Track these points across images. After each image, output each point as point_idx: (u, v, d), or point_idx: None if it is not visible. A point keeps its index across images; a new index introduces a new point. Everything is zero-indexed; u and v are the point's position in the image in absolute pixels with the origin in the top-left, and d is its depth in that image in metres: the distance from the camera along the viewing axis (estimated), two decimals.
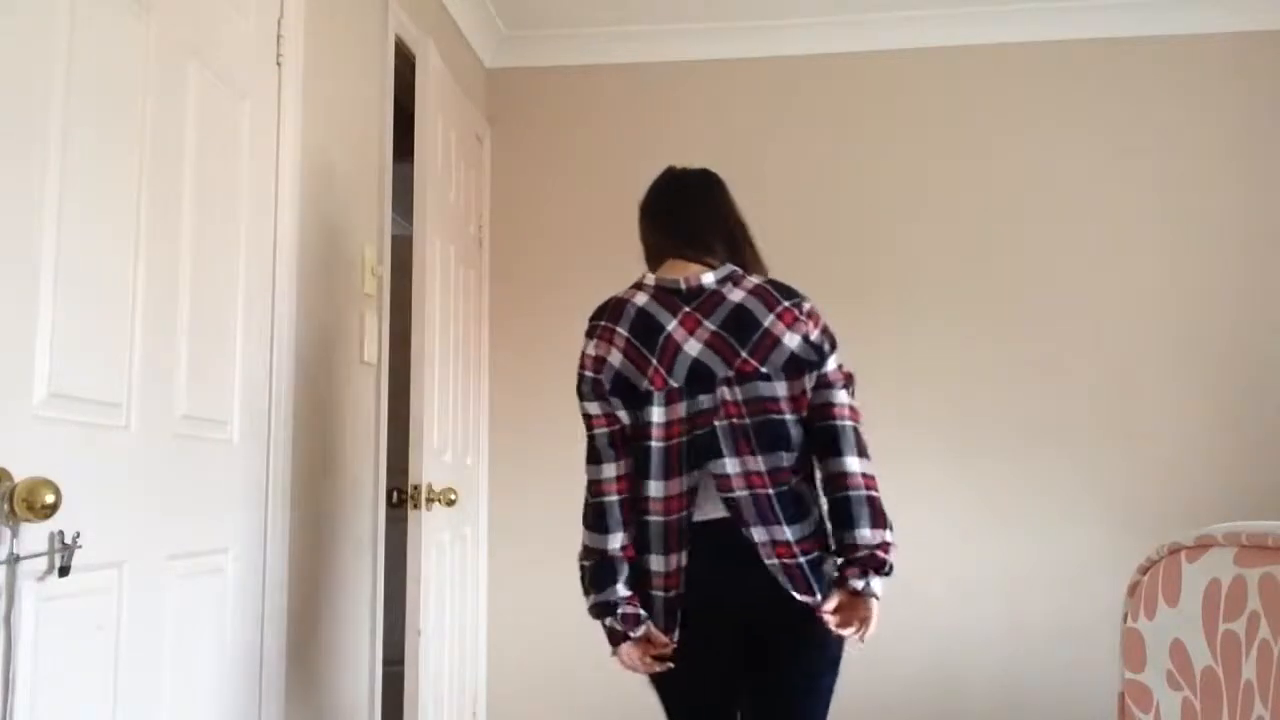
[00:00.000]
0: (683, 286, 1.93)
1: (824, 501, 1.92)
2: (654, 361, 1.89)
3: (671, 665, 1.88)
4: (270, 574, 2.20)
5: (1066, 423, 3.61)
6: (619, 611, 1.87)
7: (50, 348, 1.53)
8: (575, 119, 3.95)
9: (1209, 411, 3.57)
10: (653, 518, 1.87)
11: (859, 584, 1.83)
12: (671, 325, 1.90)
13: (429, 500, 2.77)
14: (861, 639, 1.87)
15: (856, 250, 3.77)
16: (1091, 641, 3.47)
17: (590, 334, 1.97)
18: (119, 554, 1.68)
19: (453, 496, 2.93)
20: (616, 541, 1.90)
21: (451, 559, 3.21)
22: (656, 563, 1.87)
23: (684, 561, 1.85)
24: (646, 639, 1.88)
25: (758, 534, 1.82)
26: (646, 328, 1.91)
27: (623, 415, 1.92)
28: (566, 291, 3.71)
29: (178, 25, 1.90)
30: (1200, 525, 1.56)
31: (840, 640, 1.89)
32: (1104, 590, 3.46)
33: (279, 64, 2.30)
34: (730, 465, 1.84)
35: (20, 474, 1.43)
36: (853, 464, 1.87)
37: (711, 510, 1.86)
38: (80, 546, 1.53)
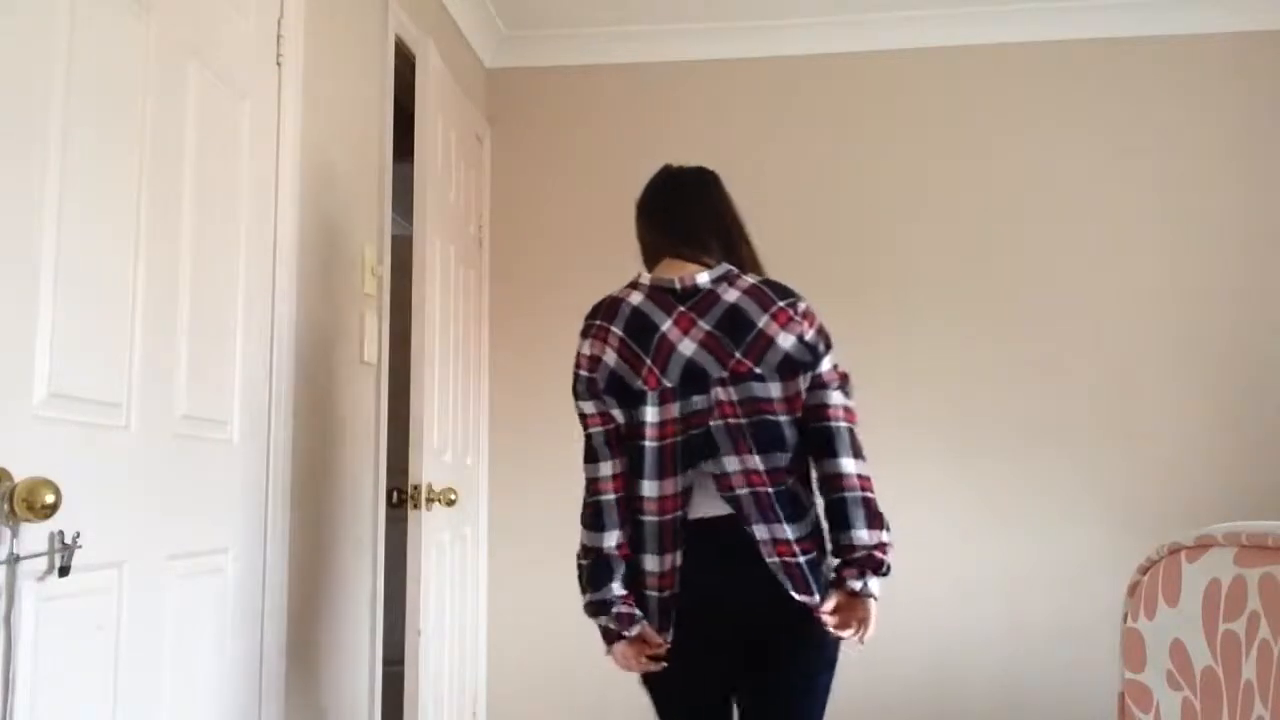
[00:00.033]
0: (677, 286, 1.93)
1: (820, 502, 1.92)
2: (648, 361, 1.89)
3: (665, 665, 1.88)
4: (270, 574, 2.20)
5: (1066, 423, 3.61)
6: (613, 610, 1.88)
7: (50, 348, 1.53)
8: (575, 119, 3.95)
9: (1209, 411, 3.57)
10: (647, 517, 1.87)
11: (857, 585, 1.83)
12: (666, 325, 1.90)
13: (429, 500, 2.77)
14: (861, 640, 1.87)
15: (856, 250, 3.77)
16: (1091, 641, 3.47)
17: (585, 333, 1.97)
18: (119, 554, 1.68)
19: (453, 496, 2.93)
20: (612, 540, 1.90)
21: (451, 559, 3.21)
22: (651, 563, 1.87)
23: (678, 562, 1.85)
24: (641, 638, 1.88)
25: (759, 531, 1.82)
26: (641, 327, 1.91)
27: (617, 414, 1.92)
28: (566, 291, 3.71)
29: (178, 25, 1.90)
30: (1200, 525, 1.56)
31: (837, 641, 1.88)
32: (1104, 590, 3.46)
33: (279, 64, 2.30)
34: (730, 464, 1.84)
35: (20, 474, 1.43)
36: (848, 465, 1.87)
37: (708, 509, 1.86)
38: (80, 546, 1.53)
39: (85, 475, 1.59)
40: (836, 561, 1.88)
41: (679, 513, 1.86)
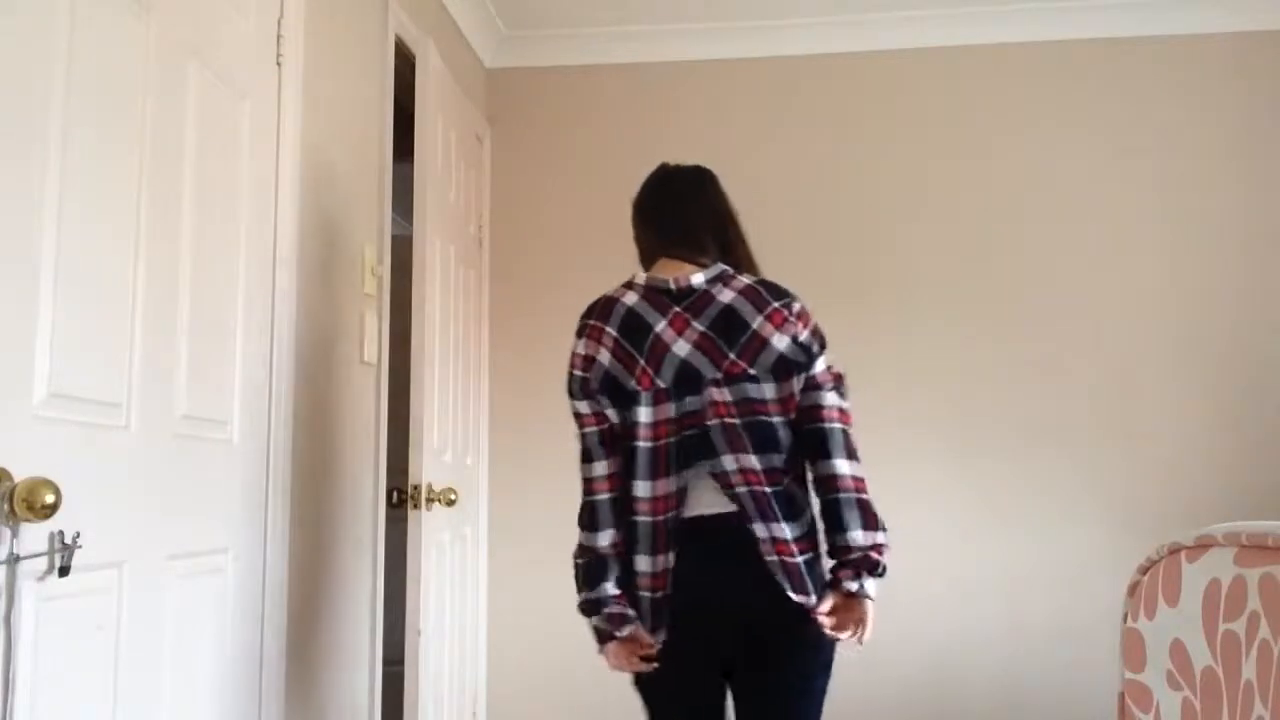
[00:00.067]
0: (672, 286, 1.93)
1: (816, 503, 1.92)
2: (641, 361, 1.89)
3: (655, 666, 1.88)
4: (270, 574, 2.20)
5: (1066, 423, 3.61)
6: (605, 610, 1.88)
7: (50, 348, 1.53)
8: (575, 119, 3.95)
9: (1209, 411, 3.57)
10: (640, 518, 1.87)
11: (853, 585, 1.83)
12: (660, 326, 1.90)
13: (429, 500, 2.77)
14: (859, 641, 1.87)
15: (856, 250, 3.77)
16: (1091, 641, 3.47)
17: (580, 333, 1.97)
18: (119, 554, 1.68)
19: (453, 496, 2.93)
20: (606, 539, 1.90)
21: (451, 559, 3.21)
22: (643, 563, 1.87)
23: (670, 562, 1.85)
24: (632, 639, 1.88)
25: (759, 530, 1.82)
26: (635, 327, 1.91)
27: (611, 414, 1.92)
28: (566, 291, 3.71)
29: (178, 25, 1.90)
30: (1200, 525, 1.56)
31: (834, 642, 1.88)
32: (1104, 590, 3.46)
33: (279, 64, 2.30)
34: (728, 463, 1.84)
35: (20, 474, 1.43)
36: (842, 466, 1.86)
37: (703, 508, 1.86)
38: (80, 546, 1.53)
39: (85, 475, 1.59)
40: (832, 562, 1.88)
41: (672, 513, 1.86)
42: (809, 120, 3.85)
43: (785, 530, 1.82)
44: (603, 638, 1.90)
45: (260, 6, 2.24)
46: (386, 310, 2.92)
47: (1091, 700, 3.44)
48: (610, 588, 1.89)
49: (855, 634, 1.86)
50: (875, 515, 1.86)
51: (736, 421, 1.85)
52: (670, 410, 1.87)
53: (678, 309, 1.91)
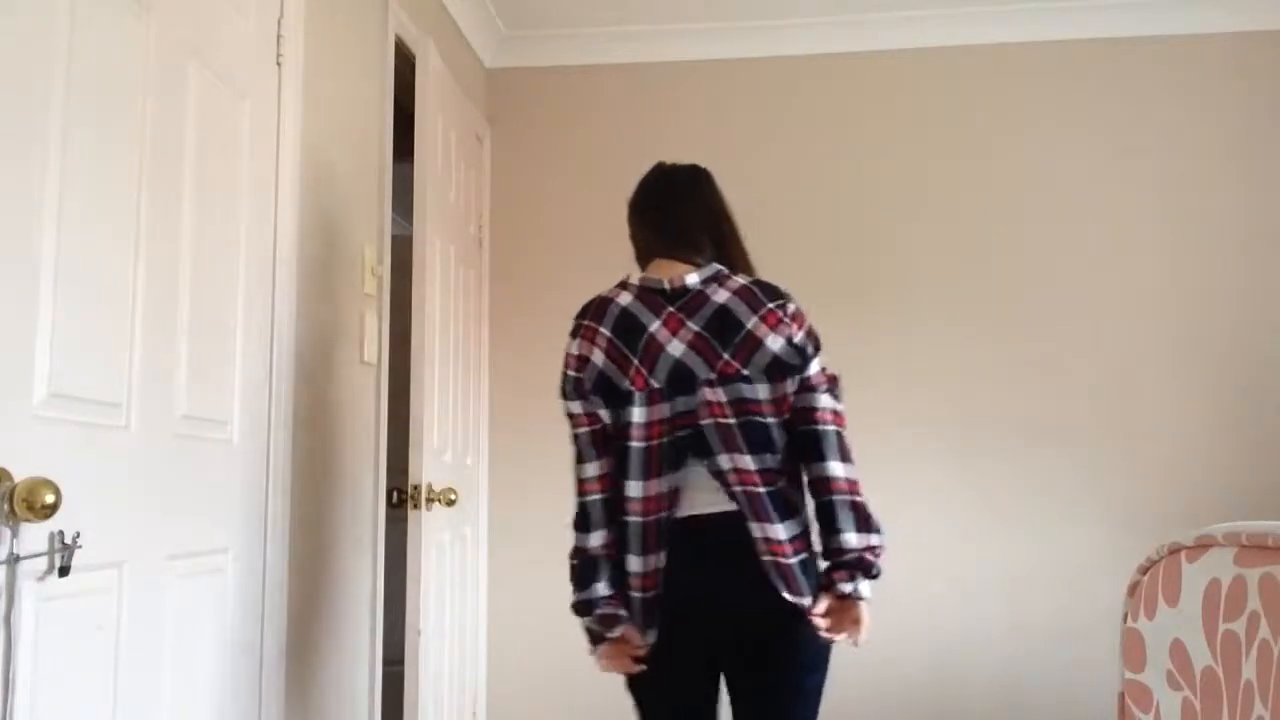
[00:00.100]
0: (666, 286, 1.93)
1: (811, 503, 1.92)
2: (635, 362, 1.88)
3: (645, 667, 1.88)
4: (270, 574, 2.20)
5: (1066, 423, 3.61)
6: (597, 611, 1.88)
7: (50, 348, 1.53)
8: (575, 119, 3.95)
9: (1209, 411, 3.57)
10: (631, 518, 1.87)
11: (847, 587, 1.82)
12: (654, 326, 1.89)
13: (429, 500, 2.77)
14: (855, 643, 1.86)
15: (856, 250, 3.77)
16: (1091, 641, 3.47)
17: (574, 333, 1.97)
18: (119, 554, 1.68)
19: (453, 496, 2.93)
20: (597, 540, 1.91)
21: (451, 559, 3.21)
22: (635, 563, 1.87)
23: (661, 562, 1.85)
24: (624, 639, 1.88)
25: (753, 529, 1.82)
26: (629, 328, 1.90)
27: (604, 415, 1.92)
28: (566, 291, 3.69)
29: (178, 25, 1.90)
30: (1200, 525, 1.56)
31: (829, 642, 1.88)
32: (1104, 590, 3.46)
33: (279, 64, 2.30)
34: (723, 462, 1.84)
35: (20, 474, 1.43)
36: (836, 469, 1.86)
37: (696, 508, 1.86)
38: (80, 546, 1.53)
39: (85, 475, 1.59)
40: (826, 564, 1.88)
41: (663, 513, 1.85)
42: (809, 120, 3.85)
43: (779, 531, 1.82)
44: (594, 639, 1.91)
45: (260, 6, 2.24)
46: (386, 310, 2.92)
47: (1091, 700, 3.44)
48: (601, 589, 1.89)
49: (850, 636, 1.86)
50: (869, 517, 1.85)
51: (731, 421, 1.84)
52: (664, 410, 1.87)
53: (672, 309, 1.90)
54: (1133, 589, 1.57)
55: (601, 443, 1.93)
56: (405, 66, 3.04)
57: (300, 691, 2.34)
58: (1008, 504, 3.61)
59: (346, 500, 2.63)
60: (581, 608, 1.90)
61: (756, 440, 1.84)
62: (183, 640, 1.88)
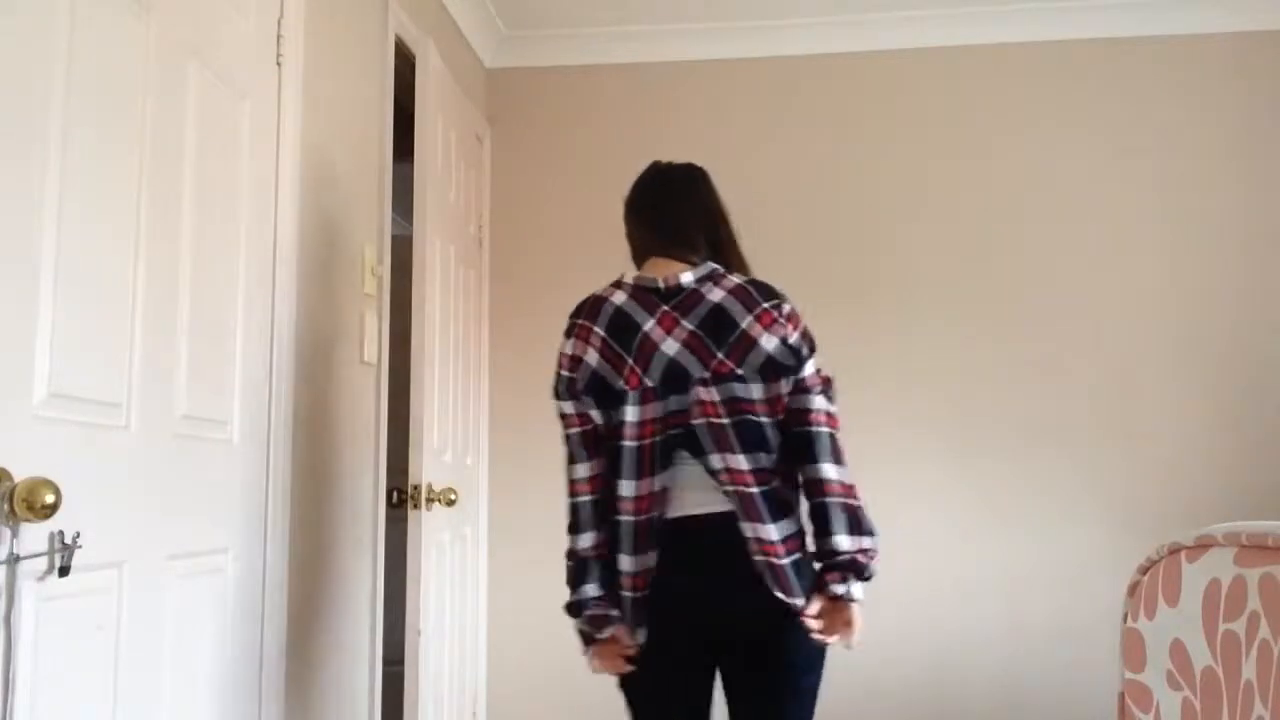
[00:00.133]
0: (661, 285, 1.92)
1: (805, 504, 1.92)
2: (630, 361, 1.88)
3: (636, 667, 1.88)
4: (270, 574, 2.20)
5: (1066, 423, 3.61)
6: (587, 612, 1.88)
7: (50, 348, 1.53)
8: (575, 119, 3.95)
9: (1209, 411, 3.57)
10: (624, 517, 1.87)
11: (839, 589, 1.82)
12: (649, 325, 1.89)
13: (429, 500, 2.77)
14: (848, 645, 1.86)
15: (856, 250, 3.77)
16: (1091, 641, 3.47)
17: (568, 333, 1.97)
18: (119, 554, 1.68)
19: (453, 496, 2.93)
20: (587, 541, 1.91)
21: (451, 559, 3.21)
22: (626, 563, 1.86)
23: (652, 562, 1.85)
24: (615, 640, 1.88)
25: (745, 530, 1.81)
26: (623, 327, 1.90)
27: (595, 415, 1.92)
28: (566, 291, 3.68)
29: (178, 25, 1.90)
30: (1200, 525, 1.56)
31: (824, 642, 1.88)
32: (1104, 590, 3.46)
33: (279, 64, 2.30)
34: (714, 462, 1.83)
35: (20, 474, 1.43)
36: (829, 471, 1.85)
37: (687, 508, 1.86)
38: (80, 546, 1.53)
39: (85, 475, 1.59)
40: (819, 565, 1.87)
41: (656, 513, 1.85)
42: (809, 120, 3.85)
43: (771, 531, 1.81)
44: (586, 639, 1.91)
45: (260, 6, 2.24)
46: (386, 310, 2.92)
47: (1091, 700, 3.44)
48: (591, 590, 1.89)
49: (843, 638, 1.85)
50: (862, 520, 1.85)
51: (724, 421, 1.84)
52: (657, 410, 1.86)
53: (666, 308, 1.90)
54: (1133, 589, 1.57)
55: (593, 443, 1.93)
56: (405, 66, 3.04)
57: (300, 691, 2.34)
58: (1008, 504, 3.61)
59: (346, 500, 2.63)
60: (573, 609, 1.91)
61: (750, 440, 1.84)
62: (183, 640, 1.88)
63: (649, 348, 1.88)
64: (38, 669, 1.48)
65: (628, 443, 1.86)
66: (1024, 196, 3.73)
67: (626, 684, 1.94)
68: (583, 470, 1.94)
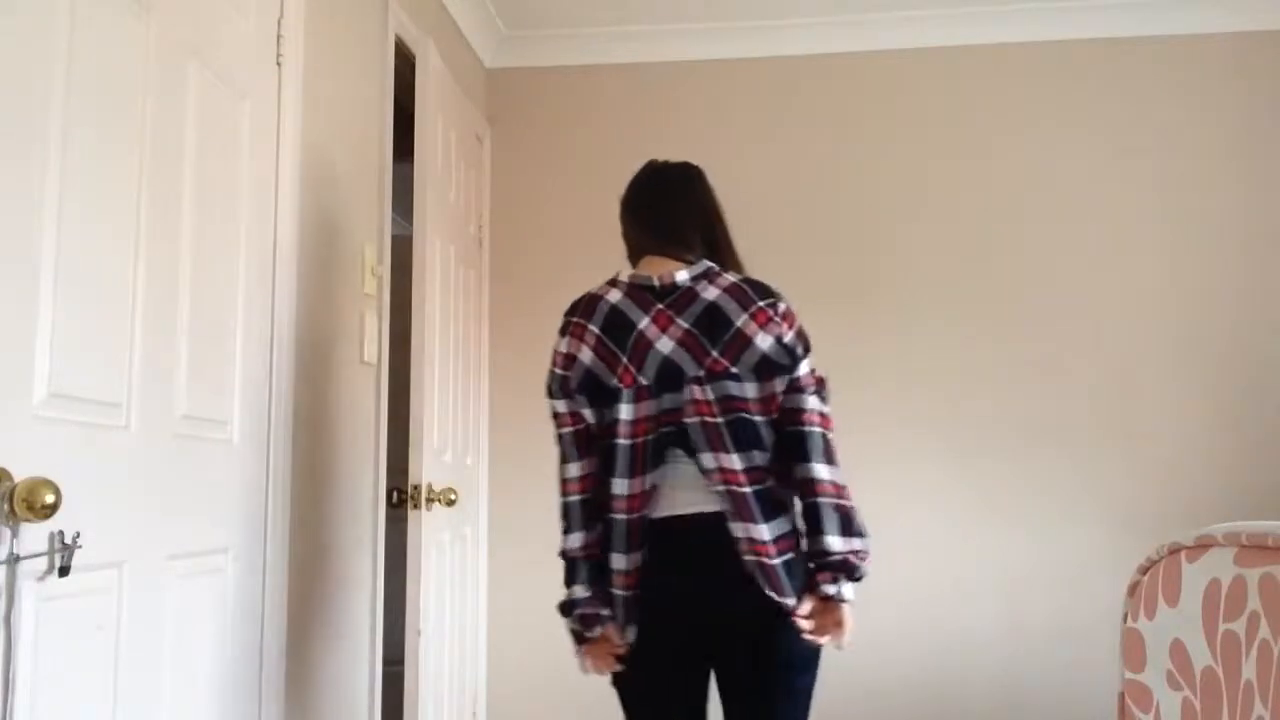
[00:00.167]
0: (656, 284, 1.92)
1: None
2: (624, 359, 1.88)
3: (626, 666, 1.88)
4: (270, 574, 2.20)
5: (1066, 423, 3.61)
6: (576, 612, 1.89)
7: (50, 348, 1.53)
8: (575, 119, 3.95)
9: (1209, 411, 3.57)
10: (616, 515, 1.87)
11: (830, 589, 1.82)
12: (644, 323, 1.89)
13: (429, 500, 2.77)
14: (839, 646, 1.86)
15: (856, 250, 3.77)
16: (1091, 641, 3.47)
17: (563, 330, 1.97)
18: (119, 554, 1.68)
19: (453, 496, 2.93)
20: (576, 541, 1.91)
21: (451, 559, 3.21)
22: (618, 561, 1.87)
23: (643, 561, 1.85)
24: (605, 639, 1.88)
25: (736, 530, 1.81)
26: (618, 325, 1.90)
27: (588, 414, 1.92)
28: (566, 291, 3.67)
29: (178, 25, 1.90)
30: (1200, 525, 1.56)
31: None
32: (1104, 590, 3.46)
33: (279, 64, 2.30)
34: (707, 461, 1.83)
35: (20, 474, 1.43)
36: (821, 471, 1.85)
37: (677, 507, 1.86)
38: (80, 546, 1.53)
39: (85, 475, 1.59)
40: (811, 565, 1.87)
41: (647, 511, 1.86)
42: (809, 120, 3.85)
43: (763, 531, 1.81)
44: (577, 638, 1.92)
45: (260, 6, 2.24)
46: (386, 310, 2.92)
47: (1091, 700, 3.44)
48: (580, 590, 1.90)
49: (834, 638, 1.85)
50: (853, 521, 1.85)
51: (718, 420, 1.84)
52: (651, 408, 1.86)
53: (661, 306, 1.90)
54: (1133, 589, 1.57)
55: (585, 443, 1.93)
56: (405, 66, 3.04)
57: (300, 691, 2.34)
58: (1008, 504, 3.61)
59: (346, 500, 2.63)
60: (564, 609, 1.91)
61: (744, 438, 1.84)
62: (183, 640, 1.88)
63: (643, 346, 1.88)
64: (38, 669, 1.48)
65: (621, 441, 1.86)
66: (1024, 196, 3.73)
67: (619, 684, 1.94)
68: (573, 470, 1.94)
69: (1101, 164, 3.70)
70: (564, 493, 1.94)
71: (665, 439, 1.86)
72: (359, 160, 2.77)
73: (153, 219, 1.81)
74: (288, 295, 2.29)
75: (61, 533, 1.50)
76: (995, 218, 3.73)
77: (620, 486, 1.86)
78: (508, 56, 3.99)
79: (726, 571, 1.81)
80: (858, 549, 1.83)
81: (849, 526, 1.84)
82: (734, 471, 1.82)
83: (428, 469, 2.78)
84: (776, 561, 1.81)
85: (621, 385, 1.87)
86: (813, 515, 1.84)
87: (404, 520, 2.75)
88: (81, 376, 1.61)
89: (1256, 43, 3.67)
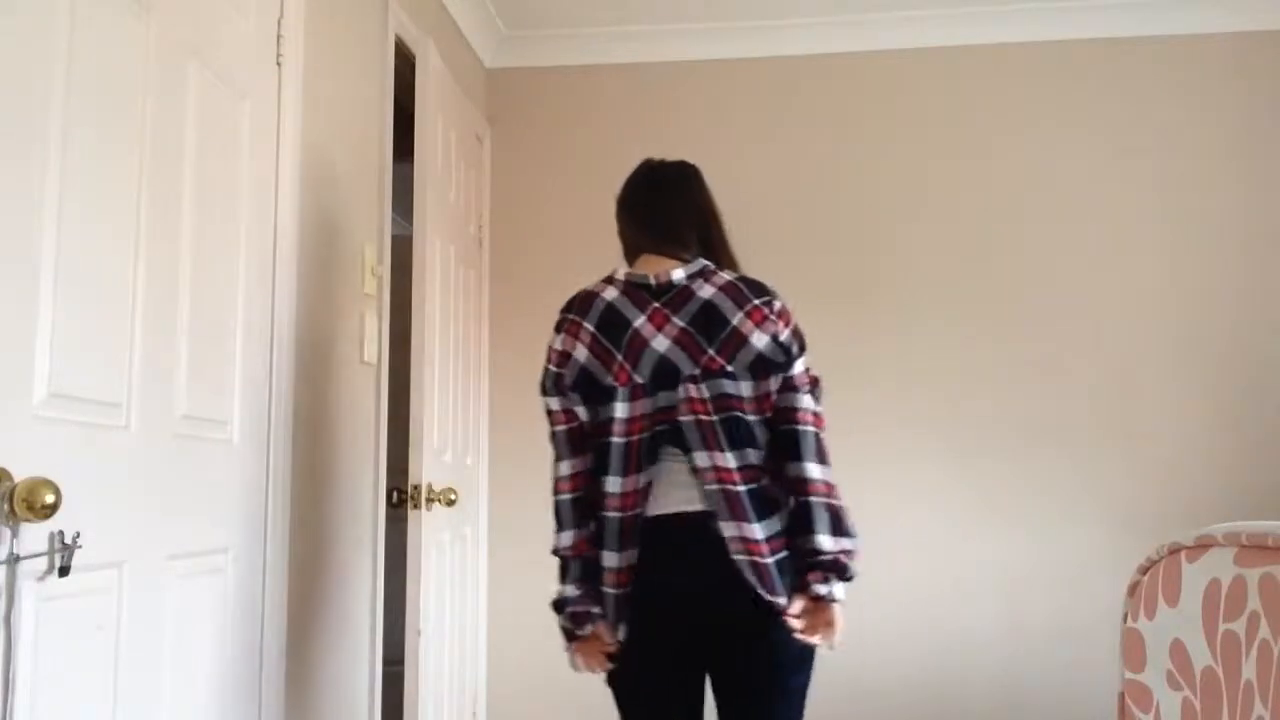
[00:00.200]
0: (652, 282, 1.92)
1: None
2: (619, 357, 1.88)
3: (618, 665, 1.88)
4: (270, 574, 2.20)
5: (1066, 423, 3.61)
6: (567, 610, 1.89)
7: (50, 348, 1.53)
8: (575, 119, 3.95)
9: (1209, 411, 3.57)
10: (609, 514, 1.87)
11: (821, 589, 1.82)
12: (639, 321, 1.89)
13: (429, 500, 2.77)
14: (830, 646, 1.86)
15: (856, 250, 3.77)
16: (1091, 641, 3.47)
17: (558, 328, 1.97)
18: (119, 554, 1.68)
19: (453, 496, 2.93)
20: (568, 539, 1.92)
21: (451, 559, 3.21)
22: (610, 559, 1.86)
23: (636, 559, 1.85)
24: (595, 637, 1.88)
25: (727, 529, 1.81)
26: (613, 323, 1.90)
27: (581, 412, 1.92)
28: (566, 291, 3.66)
29: (178, 25, 1.90)
30: (1200, 525, 1.56)
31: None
32: (1104, 590, 3.46)
33: (279, 64, 2.30)
34: (700, 459, 1.83)
35: (20, 474, 1.43)
36: (813, 471, 1.85)
37: (670, 506, 1.85)
38: (80, 546, 1.53)
39: (85, 475, 1.59)
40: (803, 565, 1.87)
41: (640, 509, 1.85)
42: (809, 120, 3.85)
43: (756, 530, 1.80)
44: (567, 636, 1.92)
45: (260, 6, 2.24)
46: (386, 310, 2.92)
47: (1091, 700, 3.44)
48: (571, 588, 1.90)
49: (824, 638, 1.85)
50: (844, 522, 1.85)
51: (713, 418, 1.84)
52: (646, 406, 1.86)
53: (657, 304, 1.90)
54: (1133, 589, 1.57)
55: (578, 441, 1.94)
56: (405, 66, 3.04)
57: (300, 691, 2.34)
58: (1008, 504, 3.61)
59: (346, 500, 2.63)
60: (555, 607, 1.92)
61: (738, 437, 1.84)
62: (183, 640, 1.88)
63: (639, 344, 1.88)
64: (38, 669, 1.48)
65: (615, 439, 1.86)
66: (1024, 196, 3.73)
67: (614, 683, 1.94)
68: (565, 468, 1.94)
69: (1101, 164, 3.70)
70: (556, 491, 1.95)
71: (659, 437, 1.86)
72: (359, 160, 2.77)
73: (153, 219, 1.81)
74: (288, 295, 2.29)
75: (61, 533, 1.50)
76: (995, 218, 3.73)
77: (614, 484, 1.86)
78: (508, 56, 3.99)
79: (719, 571, 1.81)
80: (848, 549, 1.84)
81: (839, 527, 1.84)
82: (728, 470, 1.82)
83: (428, 469, 2.78)
84: (769, 560, 1.81)
85: (617, 383, 1.87)
86: (803, 515, 1.84)
87: (404, 520, 2.75)
88: (81, 376, 1.61)
89: (1256, 43, 3.67)
